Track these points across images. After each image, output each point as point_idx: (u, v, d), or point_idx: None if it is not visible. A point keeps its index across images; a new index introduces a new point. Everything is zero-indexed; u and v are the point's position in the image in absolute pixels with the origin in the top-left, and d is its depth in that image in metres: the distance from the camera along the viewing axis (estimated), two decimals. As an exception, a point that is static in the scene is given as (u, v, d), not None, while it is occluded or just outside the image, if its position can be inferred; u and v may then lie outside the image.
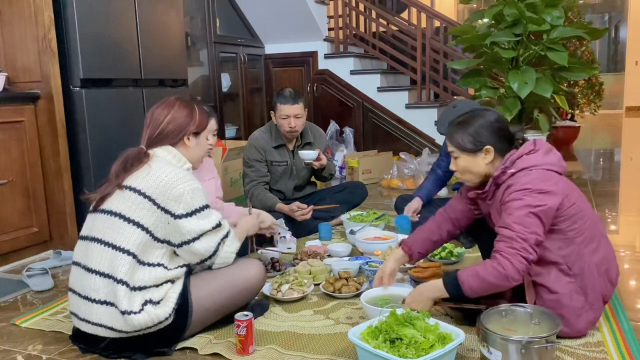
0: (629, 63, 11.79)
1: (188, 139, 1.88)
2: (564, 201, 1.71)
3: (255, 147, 3.14)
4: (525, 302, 1.75)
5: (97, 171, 3.00)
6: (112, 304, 1.68)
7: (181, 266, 1.79)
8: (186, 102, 1.93)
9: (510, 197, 1.71)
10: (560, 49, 3.93)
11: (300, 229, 3.06)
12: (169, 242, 1.74)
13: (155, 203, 1.70)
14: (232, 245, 1.85)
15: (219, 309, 1.86)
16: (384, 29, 6.18)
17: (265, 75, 5.89)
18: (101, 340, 1.74)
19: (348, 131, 5.63)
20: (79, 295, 1.74)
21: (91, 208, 1.82)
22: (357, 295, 2.14)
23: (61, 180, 2.96)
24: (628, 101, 11.90)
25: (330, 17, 6.04)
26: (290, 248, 2.80)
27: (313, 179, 3.39)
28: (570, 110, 6.39)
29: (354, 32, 6.00)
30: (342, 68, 5.76)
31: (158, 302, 1.71)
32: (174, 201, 1.71)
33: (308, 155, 3.07)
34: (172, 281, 1.77)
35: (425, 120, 5.43)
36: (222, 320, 1.91)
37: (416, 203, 2.97)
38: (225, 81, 5.18)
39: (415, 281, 2.23)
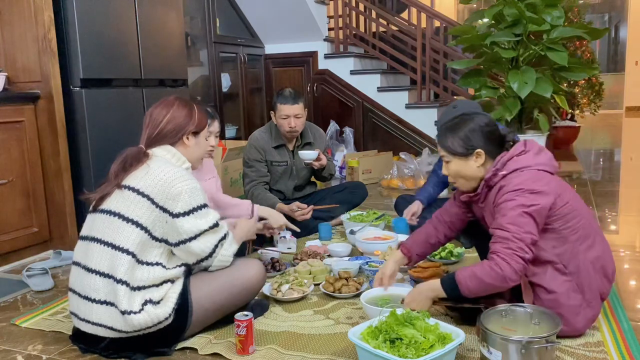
0: (629, 63, 11.80)
1: (187, 138, 1.88)
2: (557, 200, 1.72)
3: (255, 147, 3.14)
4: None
5: (97, 171, 3.00)
6: (112, 304, 1.68)
7: (179, 266, 1.79)
8: (185, 101, 1.93)
9: (503, 198, 1.72)
10: (560, 49, 3.92)
11: (300, 229, 3.05)
12: (166, 242, 1.74)
13: (153, 202, 1.70)
14: (230, 248, 1.85)
15: (219, 309, 1.86)
16: (384, 29, 6.18)
17: (265, 75, 5.89)
18: (101, 340, 1.74)
19: (348, 131, 5.63)
20: (79, 295, 1.74)
21: (91, 208, 1.82)
22: (357, 295, 2.14)
23: (61, 180, 2.96)
24: (628, 101, 11.90)
25: (330, 17, 6.04)
26: (290, 248, 2.80)
27: (313, 179, 3.39)
28: (570, 110, 6.39)
29: (354, 32, 6.00)
30: (342, 68, 5.76)
31: (158, 302, 1.71)
32: (172, 200, 1.71)
33: (308, 155, 3.07)
34: (171, 281, 1.77)
35: (425, 120, 5.43)
36: (222, 320, 1.91)
37: (416, 206, 2.96)
38: (225, 81, 5.18)
39: (415, 281, 2.23)
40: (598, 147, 7.18)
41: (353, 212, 3.30)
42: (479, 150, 1.82)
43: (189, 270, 1.85)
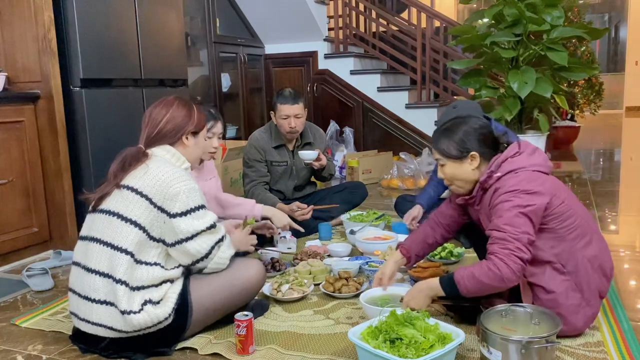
0: (629, 63, 11.80)
1: (186, 138, 1.88)
2: (553, 200, 1.72)
3: (255, 147, 3.14)
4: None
5: (97, 171, 3.00)
6: (111, 304, 1.68)
7: (178, 266, 1.79)
8: (185, 101, 1.92)
9: (498, 199, 1.73)
10: (560, 49, 3.93)
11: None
12: (163, 242, 1.74)
13: (152, 202, 1.70)
14: (227, 252, 1.85)
15: (218, 309, 1.86)
16: (384, 29, 6.18)
17: (265, 75, 5.89)
18: (101, 340, 1.74)
19: (348, 131, 5.63)
20: (79, 295, 1.74)
21: (90, 208, 1.82)
22: (357, 295, 2.14)
23: (61, 180, 2.96)
24: (628, 101, 11.90)
25: (330, 17, 6.04)
26: (290, 248, 2.80)
27: (313, 179, 3.39)
28: (570, 110, 6.39)
29: (354, 32, 6.00)
30: (342, 68, 5.76)
31: (158, 302, 1.71)
32: (170, 200, 1.70)
33: (308, 155, 3.07)
34: (171, 281, 1.77)
35: (425, 120, 5.43)
36: (222, 320, 1.91)
37: (416, 210, 2.93)
38: (225, 81, 5.18)
39: (415, 281, 2.23)
40: (598, 147, 7.18)
41: (353, 212, 3.30)
42: (473, 152, 1.82)
43: (189, 271, 1.85)
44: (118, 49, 3.17)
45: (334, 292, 2.21)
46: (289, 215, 2.99)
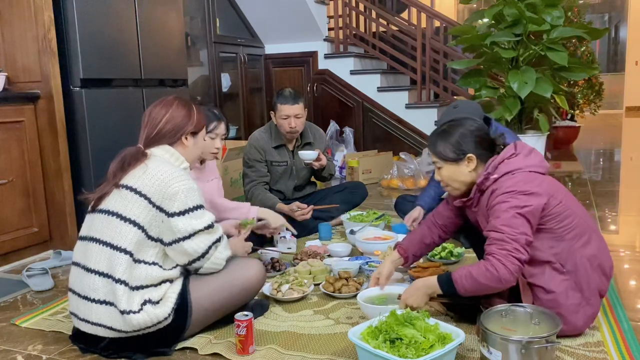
0: (629, 63, 11.80)
1: (186, 138, 1.88)
2: (550, 200, 1.72)
3: (255, 147, 3.14)
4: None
5: (97, 171, 3.00)
6: (111, 304, 1.68)
7: (176, 266, 1.79)
8: (184, 101, 1.92)
9: (495, 200, 1.73)
10: (560, 49, 3.92)
11: (300, 229, 3.05)
12: (161, 241, 1.74)
13: (150, 202, 1.70)
14: (224, 252, 1.84)
15: (218, 309, 1.86)
16: (384, 29, 6.18)
17: (265, 75, 5.89)
18: (101, 340, 1.74)
19: (348, 131, 5.63)
20: (79, 295, 1.74)
21: (89, 208, 1.82)
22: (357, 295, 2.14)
23: (61, 180, 2.96)
24: (628, 101, 11.91)
25: (330, 17, 6.04)
26: (290, 248, 2.80)
27: (313, 179, 3.39)
28: (570, 110, 6.39)
29: (354, 32, 6.00)
30: (342, 68, 5.76)
31: (157, 302, 1.71)
32: (168, 199, 1.70)
33: (308, 155, 3.07)
34: (170, 281, 1.77)
35: (425, 120, 5.43)
36: (222, 320, 1.91)
37: (417, 212, 2.91)
38: (225, 81, 5.18)
39: (415, 281, 2.23)
40: (598, 147, 7.18)
41: (353, 212, 3.30)
42: (470, 155, 1.83)
43: (188, 271, 1.85)
44: (118, 49, 3.17)
45: (334, 292, 2.21)
46: (289, 216, 3.00)
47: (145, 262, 1.72)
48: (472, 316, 1.84)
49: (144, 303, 1.68)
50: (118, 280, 1.67)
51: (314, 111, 5.79)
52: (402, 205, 3.17)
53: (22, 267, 2.69)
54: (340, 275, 2.30)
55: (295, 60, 5.84)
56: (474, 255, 2.59)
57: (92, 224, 1.77)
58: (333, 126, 5.62)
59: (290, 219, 3.00)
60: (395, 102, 5.58)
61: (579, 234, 1.76)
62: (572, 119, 7.00)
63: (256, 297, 2.08)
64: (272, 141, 3.16)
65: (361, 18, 6.15)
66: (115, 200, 1.73)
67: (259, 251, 2.64)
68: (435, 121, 5.26)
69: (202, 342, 1.83)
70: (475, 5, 8.73)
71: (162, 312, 1.70)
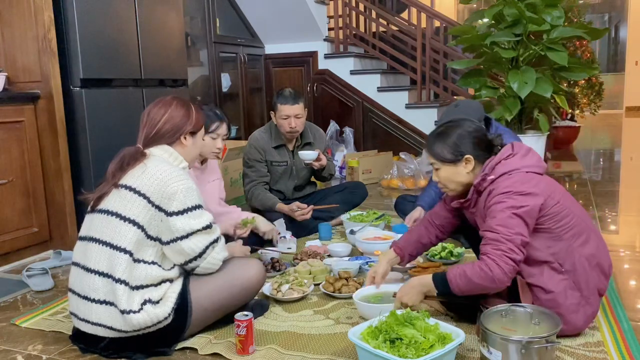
0: (629, 63, 11.80)
1: (185, 138, 1.88)
2: (547, 200, 1.73)
3: (255, 147, 3.14)
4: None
5: (97, 171, 3.00)
6: (111, 304, 1.68)
7: (174, 266, 1.79)
8: (183, 101, 1.92)
9: (492, 201, 1.74)
10: (560, 49, 3.93)
11: (300, 229, 3.06)
12: (159, 240, 1.74)
13: (150, 201, 1.70)
14: (221, 253, 1.84)
15: (218, 309, 1.86)
16: (384, 29, 6.18)
17: (265, 75, 5.89)
18: (101, 340, 1.74)
19: (348, 131, 5.63)
20: (79, 295, 1.74)
21: (89, 208, 1.82)
22: (357, 295, 2.14)
23: (61, 180, 2.96)
24: (628, 101, 11.91)
25: (330, 17, 6.04)
26: (290, 248, 2.80)
27: (313, 179, 3.39)
28: (570, 110, 6.39)
29: (354, 32, 6.00)
30: (342, 68, 5.76)
31: (157, 302, 1.71)
32: (167, 199, 1.70)
33: (308, 155, 3.07)
34: (170, 281, 1.77)
35: (425, 120, 5.43)
36: (222, 320, 1.91)
37: (417, 212, 2.89)
38: (225, 81, 5.18)
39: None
40: (598, 147, 7.18)
41: (353, 212, 3.30)
42: (468, 156, 1.83)
43: (188, 270, 1.85)
44: (118, 49, 3.17)
45: (334, 292, 2.21)
46: (289, 216, 3.00)
47: (145, 262, 1.72)
48: (472, 316, 1.84)
49: (144, 303, 1.68)
50: (118, 280, 1.67)
51: (314, 111, 5.79)
52: (402, 205, 3.17)
53: (22, 267, 2.69)
54: (340, 275, 2.30)
55: (295, 60, 5.84)
56: (474, 255, 2.59)
57: (92, 224, 1.77)
58: (333, 126, 5.62)
59: (290, 219, 3.00)
60: (395, 102, 5.58)
61: (577, 233, 1.76)
62: (572, 119, 7.00)
63: (256, 297, 2.08)
64: (272, 141, 3.16)
65: (361, 18, 6.15)
66: (115, 200, 1.73)
67: (259, 251, 2.64)
68: (436, 121, 5.27)
69: (202, 342, 1.83)
70: (475, 5, 8.73)
71: (162, 311, 1.70)
